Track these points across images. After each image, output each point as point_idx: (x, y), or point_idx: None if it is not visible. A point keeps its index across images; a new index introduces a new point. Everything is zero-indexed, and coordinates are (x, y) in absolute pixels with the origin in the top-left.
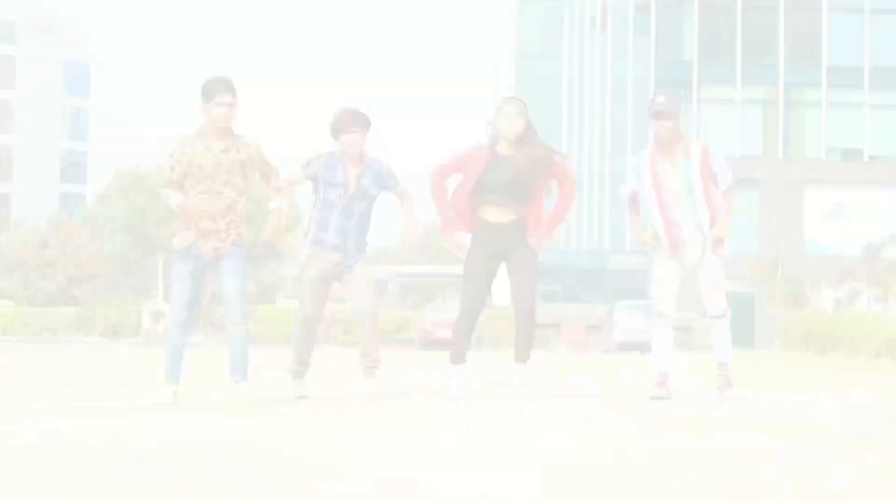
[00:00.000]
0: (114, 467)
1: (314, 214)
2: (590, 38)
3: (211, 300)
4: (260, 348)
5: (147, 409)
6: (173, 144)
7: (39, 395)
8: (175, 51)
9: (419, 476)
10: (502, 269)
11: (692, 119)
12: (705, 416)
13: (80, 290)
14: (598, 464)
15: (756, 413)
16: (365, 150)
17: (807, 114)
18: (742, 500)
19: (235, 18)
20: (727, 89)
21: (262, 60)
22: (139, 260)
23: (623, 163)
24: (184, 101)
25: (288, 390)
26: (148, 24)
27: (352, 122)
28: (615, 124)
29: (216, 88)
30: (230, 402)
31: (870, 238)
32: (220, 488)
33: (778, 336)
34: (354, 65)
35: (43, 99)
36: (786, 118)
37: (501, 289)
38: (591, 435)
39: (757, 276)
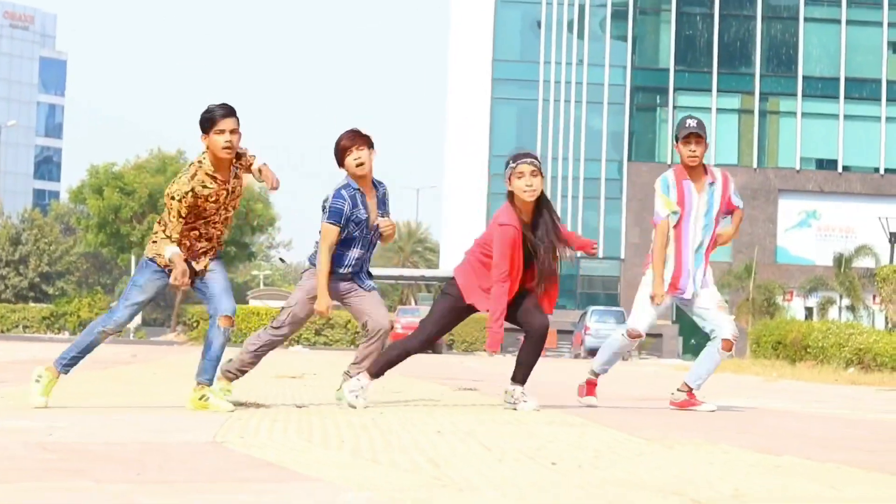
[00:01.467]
0: (71, 465)
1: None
2: (566, 44)
3: (182, 300)
4: (231, 348)
5: (116, 408)
6: (179, 184)
7: (4, 393)
8: (152, 50)
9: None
10: None
11: (667, 127)
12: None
13: (52, 286)
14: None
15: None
16: (371, 172)
17: (781, 123)
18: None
19: (215, 13)
20: (703, 97)
21: (248, 55)
22: (112, 257)
23: (597, 169)
24: (160, 100)
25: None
26: (125, 21)
27: (351, 141)
28: (590, 130)
29: (216, 115)
30: (204, 406)
31: (842, 247)
32: (183, 490)
33: (749, 344)
34: (328, 69)
35: (18, 95)
36: (760, 127)
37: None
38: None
39: (728, 284)
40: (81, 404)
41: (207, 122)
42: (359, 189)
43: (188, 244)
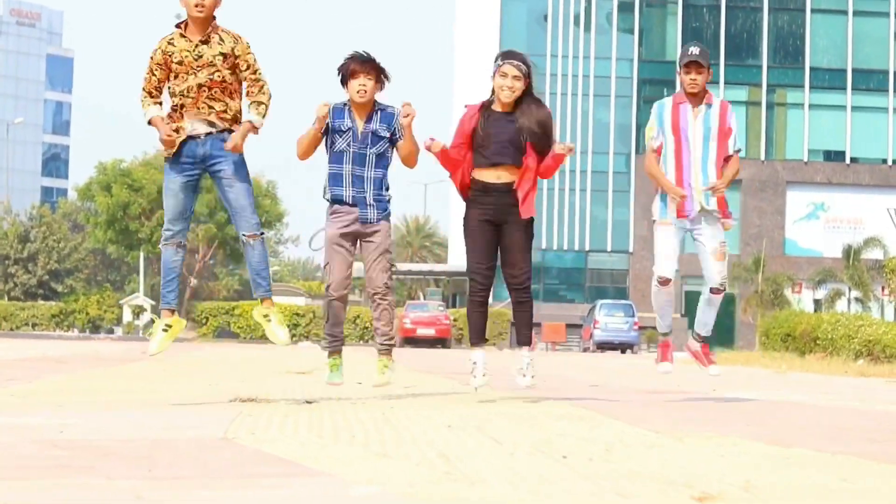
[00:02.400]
0: (82, 462)
1: (328, 170)
2: (573, 38)
3: (190, 296)
4: (241, 345)
5: (126, 404)
6: (154, 44)
7: (14, 390)
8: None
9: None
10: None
11: None
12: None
13: (61, 284)
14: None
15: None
16: (375, 98)
17: (789, 115)
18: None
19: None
20: (710, 89)
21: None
22: (121, 255)
23: (605, 162)
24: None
25: (323, 376)
26: (131, 18)
27: (360, 67)
28: (598, 123)
29: None
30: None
31: (850, 239)
32: (193, 485)
33: (758, 337)
34: (333, 65)
35: (25, 93)
36: (768, 119)
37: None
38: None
39: (738, 276)
40: (91, 401)
41: None
42: (348, 105)
43: (182, 123)
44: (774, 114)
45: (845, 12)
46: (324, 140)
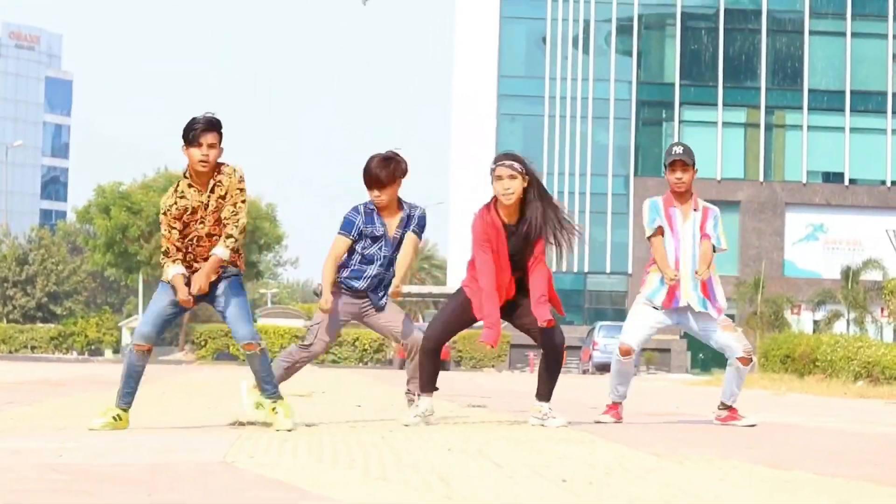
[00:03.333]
0: (81, 487)
1: (348, 263)
2: (572, 60)
3: (189, 319)
4: (241, 367)
5: (122, 431)
6: (164, 198)
7: (13, 414)
8: (158, 69)
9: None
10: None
11: (673, 140)
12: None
13: (59, 307)
14: None
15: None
16: (399, 196)
17: (788, 136)
18: None
19: (219, 34)
20: (708, 112)
21: (252, 72)
22: (119, 277)
23: (604, 184)
24: (167, 119)
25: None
26: (130, 41)
27: (374, 181)
28: (596, 145)
29: (196, 128)
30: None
31: (849, 260)
32: None
33: (757, 358)
34: (333, 87)
35: (24, 115)
36: (767, 141)
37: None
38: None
39: (737, 297)
40: (90, 424)
41: (188, 134)
42: (374, 208)
43: (187, 263)
44: (773, 135)
45: (843, 34)
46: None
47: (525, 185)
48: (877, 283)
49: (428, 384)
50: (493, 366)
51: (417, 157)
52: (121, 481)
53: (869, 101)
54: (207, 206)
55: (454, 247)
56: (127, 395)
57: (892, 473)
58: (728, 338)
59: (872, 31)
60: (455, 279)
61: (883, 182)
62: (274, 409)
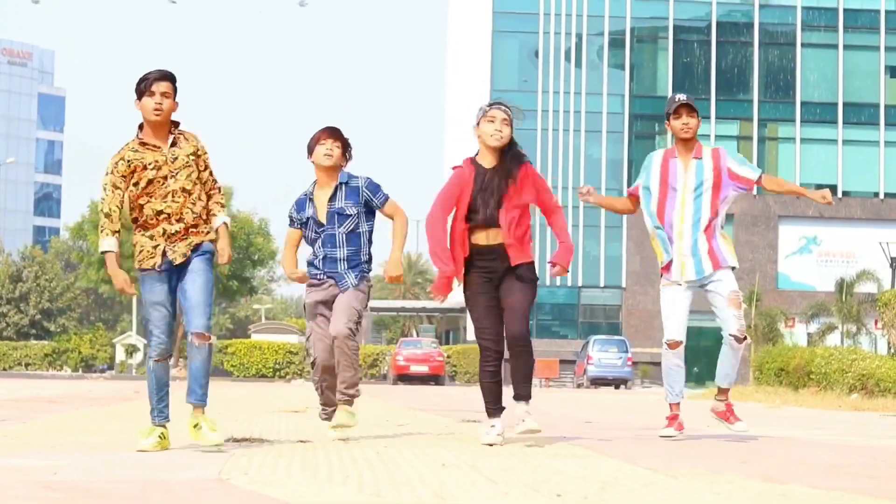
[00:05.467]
0: None
1: (307, 257)
2: (564, 73)
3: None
4: (235, 383)
5: (119, 445)
6: (110, 158)
7: (7, 431)
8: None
9: None
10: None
11: None
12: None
13: (53, 323)
14: None
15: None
16: (338, 172)
17: (780, 149)
18: None
19: (213, 48)
20: (701, 124)
21: (247, 93)
22: (113, 294)
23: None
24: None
25: (327, 434)
26: (123, 56)
27: (323, 133)
28: (589, 159)
29: (148, 78)
30: (195, 434)
31: (843, 273)
32: None
33: (752, 371)
34: (326, 103)
35: (16, 132)
36: (759, 153)
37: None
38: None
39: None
40: (84, 442)
41: (140, 85)
42: (309, 194)
43: (160, 228)
44: (766, 148)
45: (835, 46)
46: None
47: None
48: (870, 295)
49: (495, 399)
50: (429, 293)
51: (411, 172)
52: (115, 498)
53: (861, 114)
54: (176, 159)
55: None
56: (162, 409)
57: (888, 486)
58: (728, 312)
59: (864, 44)
60: (449, 294)
61: (876, 194)
62: (197, 424)
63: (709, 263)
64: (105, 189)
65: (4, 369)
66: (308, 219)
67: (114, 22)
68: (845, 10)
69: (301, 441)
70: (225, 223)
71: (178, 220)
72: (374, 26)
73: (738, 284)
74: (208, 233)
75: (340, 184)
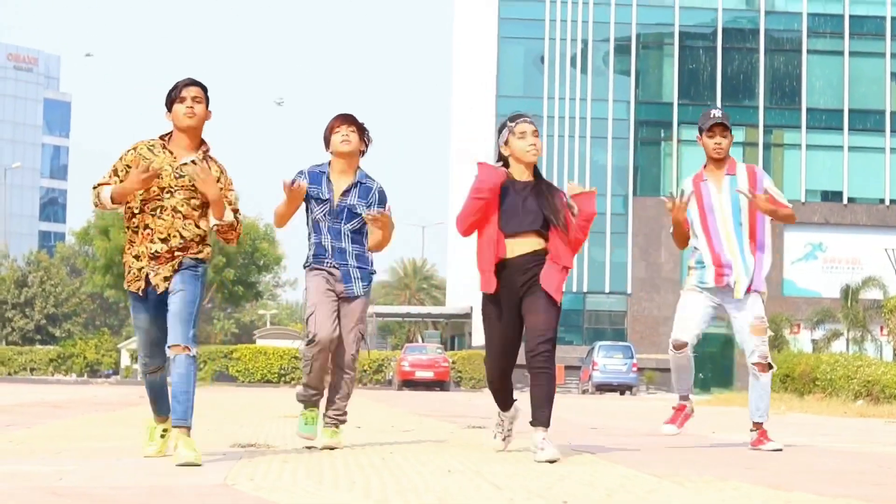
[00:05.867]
0: None
1: (311, 238)
2: (570, 79)
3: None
4: (240, 388)
5: (124, 450)
6: (131, 150)
7: (12, 436)
8: (156, 90)
9: None
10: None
11: (671, 161)
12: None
13: (58, 328)
14: None
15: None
16: (358, 162)
17: (786, 155)
18: None
19: (218, 54)
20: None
21: (252, 94)
22: (119, 299)
23: (602, 203)
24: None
25: (294, 432)
26: (128, 62)
27: (336, 121)
28: (595, 165)
29: (178, 86)
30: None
31: (849, 279)
32: None
33: None
34: (327, 106)
35: (22, 137)
36: (765, 160)
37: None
38: None
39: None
40: (90, 447)
41: (171, 93)
42: (326, 173)
43: (143, 247)
44: (771, 154)
45: (841, 53)
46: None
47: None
48: (876, 301)
49: (503, 405)
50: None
51: (417, 179)
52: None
53: (867, 120)
54: (182, 177)
55: (453, 267)
56: (162, 407)
57: (893, 493)
58: (750, 339)
59: (870, 50)
60: (455, 299)
61: (882, 200)
62: (175, 444)
63: (745, 284)
64: (108, 172)
65: (10, 374)
66: (322, 198)
67: (119, 27)
68: (851, 17)
69: (307, 447)
70: (227, 216)
71: (162, 240)
72: (380, 32)
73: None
74: (199, 253)
75: (357, 182)
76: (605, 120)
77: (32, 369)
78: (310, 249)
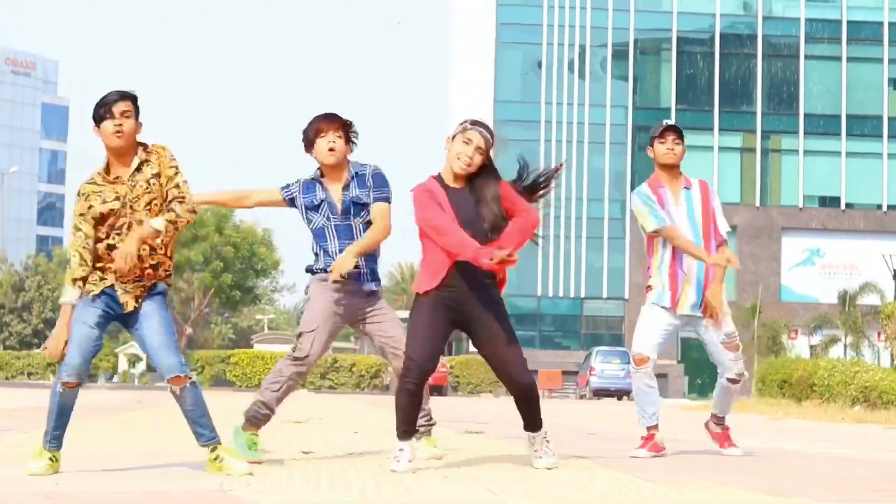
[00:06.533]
0: None
1: (316, 247)
2: (568, 85)
3: (186, 345)
4: (238, 393)
5: (121, 455)
6: (78, 197)
7: (10, 441)
8: (154, 95)
9: None
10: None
11: None
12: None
13: None
14: None
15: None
16: (346, 157)
17: (784, 161)
18: None
19: (216, 57)
20: (704, 136)
21: (248, 99)
22: None
23: (600, 209)
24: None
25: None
26: (126, 67)
27: (321, 123)
28: (593, 170)
29: (105, 102)
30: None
31: (846, 285)
32: None
33: (754, 383)
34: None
35: (20, 141)
36: (763, 165)
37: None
38: None
39: (735, 322)
40: (87, 452)
41: (98, 110)
42: (318, 180)
43: (111, 267)
44: (769, 160)
45: (839, 58)
46: (302, 218)
47: (482, 162)
48: (874, 307)
49: (409, 426)
50: (490, 391)
51: (413, 183)
52: None
53: (865, 126)
54: (135, 186)
55: None
56: (56, 437)
57: (891, 499)
58: (726, 356)
59: (868, 56)
60: None
61: (879, 206)
62: (217, 457)
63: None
64: (75, 230)
65: (7, 378)
66: (317, 202)
67: (117, 32)
68: (849, 23)
69: (303, 452)
70: (153, 227)
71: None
72: (377, 37)
73: (741, 297)
74: (167, 275)
75: (353, 174)
76: (602, 125)
77: (30, 374)
78: (316, 256)
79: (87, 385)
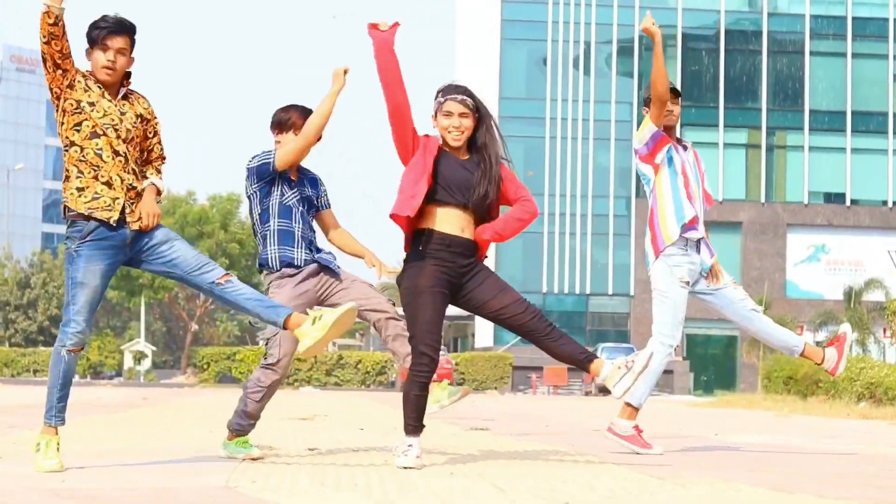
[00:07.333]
0: None
1: (264, 233)
2: (573, 81)
3: (191, 342)
4: (241, 391)
5: (127, 452)
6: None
7: (16, 438)
8: (158, 92)
9: None
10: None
11: None
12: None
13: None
14: None
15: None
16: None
17: (789, 157)
18: None
19: (219, 52)
20: (710, 133)
21: (249, 95)
22: (122, 300)
23: (605, 205)
24: (167, 141)
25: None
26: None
27: (298, 117)
28: (598, 167)
29: (103, 27)
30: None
31: (851, 281)
32: None
33: (760, 380)
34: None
35: (25, 138)
36: (768, 162)
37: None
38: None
39: None
40: (93, 449)
41: (92, 32)
42: (271, 161)
43: (118, 176)
44: (774, 156)
45: (844, 55)
46: (257, 194)
47: (475, 124)
48: (879, 303)
49: (418, 421)
50: (495, 388)
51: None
52: None
53: (870, 122)
54: (124, 115)
55: None
56: (61, 410)
57: None
58: (737, 295)
59: (873, 52)
60: None
61: (884, 202)
62: (315, 318)
63: (708, 258)
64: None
65: (13, 376)
66: (290, 181)
67: None
68: (854, 19)
69: (309, 449)
70: (156, 185)
71: (131, 172)
72: None
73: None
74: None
75: (304, 173)
76: (607, 122)
77: (36, 371)
78: (274, 243)
79: (91, 382)
